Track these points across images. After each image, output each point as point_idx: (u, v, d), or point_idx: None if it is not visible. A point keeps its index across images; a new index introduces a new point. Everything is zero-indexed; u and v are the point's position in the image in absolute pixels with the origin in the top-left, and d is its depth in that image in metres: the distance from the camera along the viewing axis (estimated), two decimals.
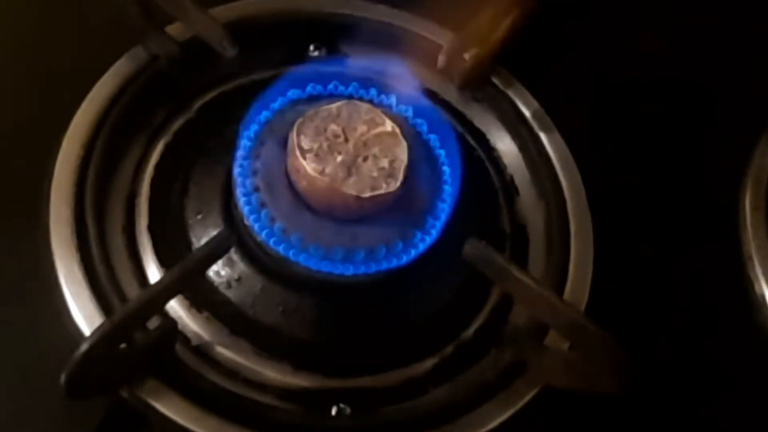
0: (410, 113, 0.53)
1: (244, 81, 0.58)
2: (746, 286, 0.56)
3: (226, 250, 0.48)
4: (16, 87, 0.55)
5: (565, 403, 0.49)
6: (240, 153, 0.50)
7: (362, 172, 0.48)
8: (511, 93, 0.59)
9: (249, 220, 0.49)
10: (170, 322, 0.48)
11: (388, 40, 0.58)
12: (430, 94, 0.60)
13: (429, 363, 0.51)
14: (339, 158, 0.48)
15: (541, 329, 0.51)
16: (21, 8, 0.58)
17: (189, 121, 0.56)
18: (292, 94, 0.52)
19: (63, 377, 0.42)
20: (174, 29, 0.56)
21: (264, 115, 0.51)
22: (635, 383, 0.46)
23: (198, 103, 0.56)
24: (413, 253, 0.49)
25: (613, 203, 0.57)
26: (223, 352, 0.49)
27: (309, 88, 0.52)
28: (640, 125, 0.62)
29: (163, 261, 0.51)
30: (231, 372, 0.49)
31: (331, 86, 0.52)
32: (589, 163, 0.57)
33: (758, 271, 0.56)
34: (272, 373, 0.49)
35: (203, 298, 0.50)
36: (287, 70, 0.58)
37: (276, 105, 0.51)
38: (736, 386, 0.54)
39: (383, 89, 0.53)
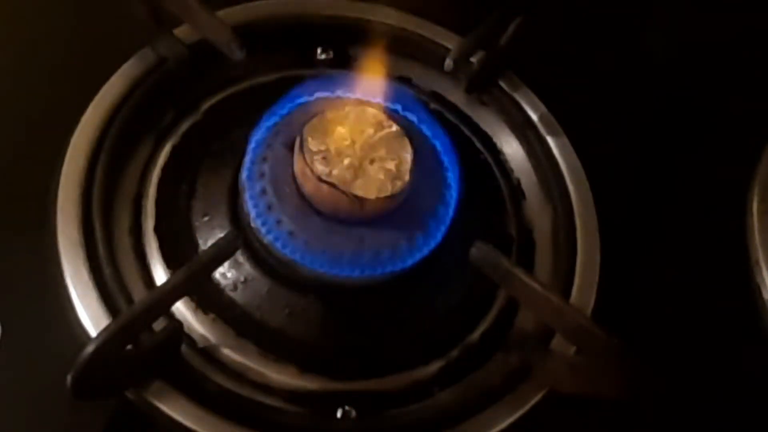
0: (416, 116, 0.53)
1: (252, 83, 0.58)
2: (753, 291, 0.56)
3: (232, 252, 0.48)
4: (24, 88, 0.55)
5: (571, 408, 0.49)
6: (248, 156, 0.50)
7: (369, 174, 0.48)
8: (518, 96, 0.59)
9: (256, 223, 0.49)
10: (176, 324, 0.48)
11: (395, 44, 0.58)
12: (437, 97, 0.60)
13: (435, 366, 0.51)
14: (346, 161, 0.48)
15: (547, 333, 0.51)
16: (29, 10, 0.58)
17: (196, 123, 0.56)
18: (301, 98, 0.52)
19: (69, 378, 0.42)
20: (182, 32, 0.56)
21: (272, 118, 0.51)
22: (641, 388, 0.46)
23: (205, 105, 0.57)
24: (418, 255, 0.49)
25: (620, 207, 0.57)
26: (229, 354, 0.49)
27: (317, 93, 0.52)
28: (647, 129, 0.62)
29: (169, 262, 0.51)
30: (237, 374, 0.49)
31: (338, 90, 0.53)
32: (597, 167, 0.57)
33: (765, 276, 0.56)
34: (278, 375, 0.49)
35: (209, 300, 0.50)
36: (294, 72, 0.58)
37: (284, 109, 0.52)
38: (742, 392, 0.54)
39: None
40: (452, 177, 0.51)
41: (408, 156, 0.49)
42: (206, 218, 0.52)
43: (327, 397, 0.49)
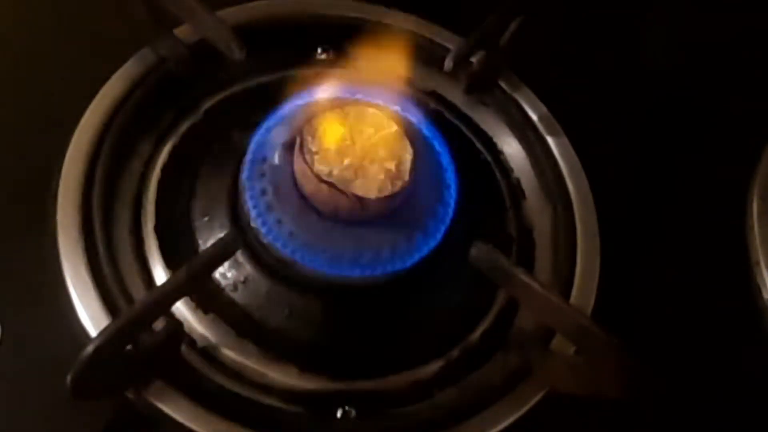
0: (415, 116, 0.53)
1: (252, 83, 0.58)
2: (753, 292, 0.56)
3: (232, 252, 0.48)
4: (25, 88, 0.55)
5: (570, 407, 0.49)
6: (248, 156, 0.50)
7: (368, 174, 0.48)
8: (518, 96, 0.59)
9: (256, 223, 0.49)
10: (176, 324, 0.48)
11: (395, 44, 0.58)
12: (437, 97, 0.60)
13: (435, 366, 0.51)
14: (346, 161, 0.48)
15: (547, 333, 0.51)
16: (30, 11, 0.58)
17: (196, 123, 0.56)
18: (301, 99, 0.52)
19: (69, 378, 0.42)
20: (182, 32, 0.56)
21: (272, 118, 0.51)
22: (641, 388, 0.46)
23: (205, 106, 0.57)
24: (418, 255, 0.49)
25: (620, 207, 0.57)
26: (228, 354, 0.49)
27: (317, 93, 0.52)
28: (647, 130, 0.62)
29: (169, 263, 0.51)
30: (237, 374, 0.49)
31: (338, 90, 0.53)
32: (597, 167, 0.57)
33: (765, 277, 0.56)
34: (278, 375, 0.49)
35: (209, 300, 0.50)
36: (294, 72, 0.58)
37: (284, 110, 0.52)
38: (743, 392, 0.54)
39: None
40: (451, 177, 0.51)
41: (408, 156, 0.49)
42: (206, 218, 0.52)
43: (327, 397, 0.49)
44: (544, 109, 0.59)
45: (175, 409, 0.46)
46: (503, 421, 0.49)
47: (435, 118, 0.55)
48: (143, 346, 0.46)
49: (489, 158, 0.59)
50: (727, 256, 0.57)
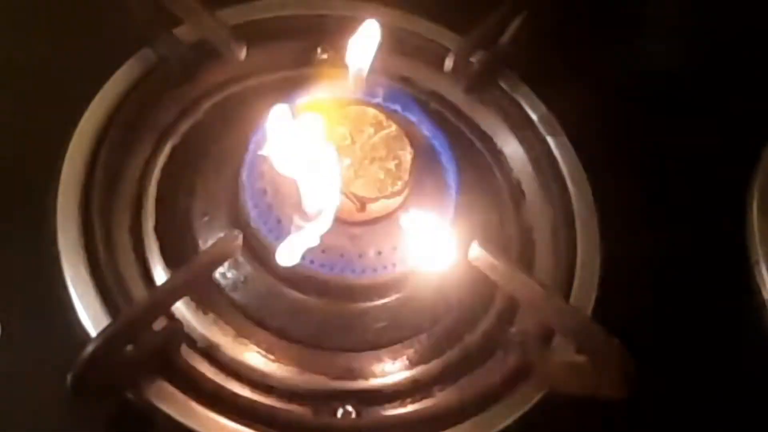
0: (415, 116, 0.53)
1: (252, 83, 0.58)
2: (753, 291, 0.56)
3: (232, 252, 0.48)
4: (26, 88, 0.55)
5: (570, 408, 0.49)
6: (248, 156, 0.50)
7: (369, 174, 0.48)
8: (518, 96, 0.59)
9: (256, 223, 0.49)
10: (176, 324, 0.48)
11: (395, 44, 0.58)
12: (437, 97, 0.60)
13: (435, 366, 0.51)
14: (346, 161, 0.48)
15: (547, 333, 0.51)
16: (31, 10, 0.58)
17: (197, 123, 0.56)
18: (301, 99, 0.52)
19: (69, 378, 0.42)
20: (182, 32, 0.56)
21: (272, 118, 0.51)
22: (640, 388, 0.46)
23: (206, 105, 0.57)
24: (418, 256, 0.49)
25: (619, 207, 0.57)
26: (229, 354, 0.49)
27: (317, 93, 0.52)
28: (647, 129, 0.62)
29: (169, 262, 0.51)
30: (237, 374, 0.49)
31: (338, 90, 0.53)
32: (596, 167, 0.57)
33: (765, 276, 0.56)
34: (278, 374, 0.49)
35: (209, 300, 0.50)
36: (294, 72, 0.58)
37: (285, 109, 0.52)
38: (742, 391, 0.54)
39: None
40: (452, 177, 0.51)
41: (408, 156, 0.49)
42: (206, 218, 0.52)
43: (327, 396, 0.49)
44: (544, 109, 0.59)
45: (174, 408, 0.46)
46: (503, 421, 0.49)
47: (435, 118, 0.55)
48: (143, 346, 0.46)
49: (489, 158, 0.59)
50: (727, 256, 0.57)
